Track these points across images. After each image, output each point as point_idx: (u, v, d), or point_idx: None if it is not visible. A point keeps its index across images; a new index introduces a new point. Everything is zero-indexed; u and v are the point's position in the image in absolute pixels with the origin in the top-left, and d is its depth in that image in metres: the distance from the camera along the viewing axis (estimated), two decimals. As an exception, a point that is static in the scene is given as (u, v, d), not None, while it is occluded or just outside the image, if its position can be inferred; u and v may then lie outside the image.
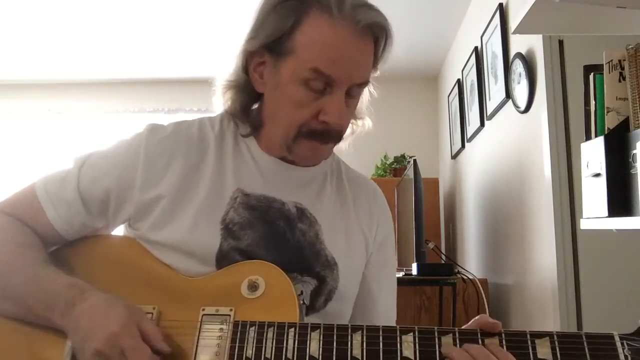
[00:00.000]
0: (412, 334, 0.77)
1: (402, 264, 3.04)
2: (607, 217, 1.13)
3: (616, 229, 1.14)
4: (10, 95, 4.67)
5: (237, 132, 0.98)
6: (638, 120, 1.11)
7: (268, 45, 0.88)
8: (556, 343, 0.75)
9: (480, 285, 2.54)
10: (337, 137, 0.93)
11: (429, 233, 3.06)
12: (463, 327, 0.79)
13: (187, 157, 0.93)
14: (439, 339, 0.76)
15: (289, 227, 0.92)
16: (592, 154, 1.19)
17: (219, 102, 0.99)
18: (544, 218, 2.07)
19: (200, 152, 0.95)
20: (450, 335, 0.77)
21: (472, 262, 3.29)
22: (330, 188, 1.01)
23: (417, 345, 0.76)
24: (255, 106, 0.99)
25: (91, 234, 0.96)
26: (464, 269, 2.65)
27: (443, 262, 3.09)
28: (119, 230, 0.97)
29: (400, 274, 2.74)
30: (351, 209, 1.01)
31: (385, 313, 1.02)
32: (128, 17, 3.49)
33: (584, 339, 0.75)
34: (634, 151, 1.08)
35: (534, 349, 0.75)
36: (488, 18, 2.72)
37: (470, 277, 2.56)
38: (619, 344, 0.75)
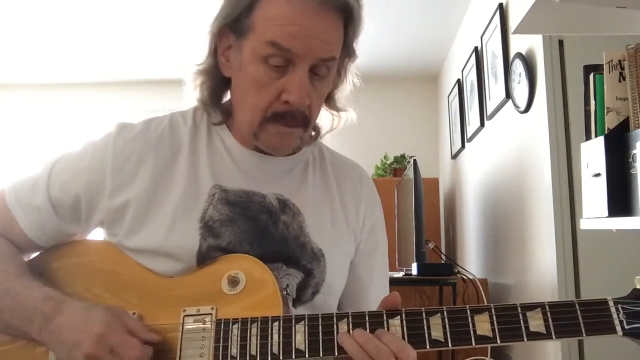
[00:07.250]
0: (399, 317, 0.76)
1: (402, 264, 3.04)
2: (607, 217, 1.13)
3: (616, 229, 1.14)
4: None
5: (209, 122, 0.95)
6: (638, 120, 1.11)
7: (230, 26, 0.86)
8: (548, 314, 0.74)
9: (480, 285, 2.53)
10: (304, 120, 0.87)
11: (429, 233, 3.05)
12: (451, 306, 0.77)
13: (158, 157, 0.90)
14: (427, 320, 0.75)
15: (271, 220, 0.89)
16: (592, 154, 1.19)
17: (191, 96, 0.95)
18: (544, 218, 2.07)
19: (173, 148, 0.91)
20: (439, 315, 0.75)
21: (472, 262, 3.29)
22: (312, 175, 0.97)
23: (404, 328, 0.75)
24: (227, 95, 0.95)
25: (67, 239, 0.93)
26: (464, 269, 2.65)
27: (443, 262, 3.09)
28: (99, 235, 0.94)
29: (401, 274, 2.74)
30: (336, 195, 0.97)
31: (376, 301, 1.01)
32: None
33: (577, 307, 0.74)
34: (634, 151, 1.08)
35: (525, 322, 0.74)
36: (488, 18, 2.72)
37: (470, 277, 2.56)
38: (613, 309, 0.73)
